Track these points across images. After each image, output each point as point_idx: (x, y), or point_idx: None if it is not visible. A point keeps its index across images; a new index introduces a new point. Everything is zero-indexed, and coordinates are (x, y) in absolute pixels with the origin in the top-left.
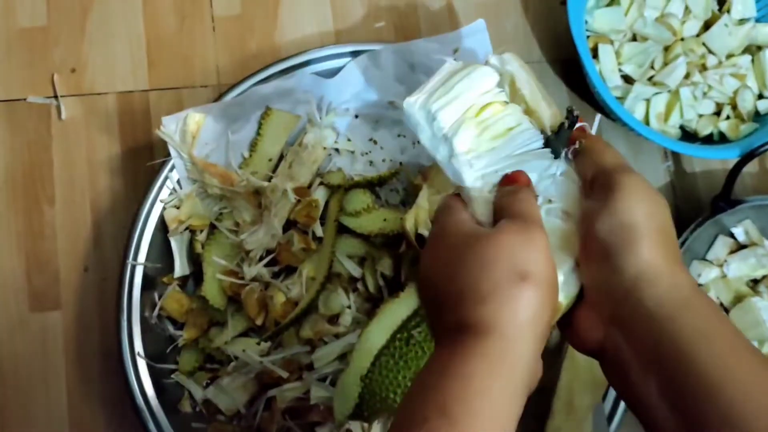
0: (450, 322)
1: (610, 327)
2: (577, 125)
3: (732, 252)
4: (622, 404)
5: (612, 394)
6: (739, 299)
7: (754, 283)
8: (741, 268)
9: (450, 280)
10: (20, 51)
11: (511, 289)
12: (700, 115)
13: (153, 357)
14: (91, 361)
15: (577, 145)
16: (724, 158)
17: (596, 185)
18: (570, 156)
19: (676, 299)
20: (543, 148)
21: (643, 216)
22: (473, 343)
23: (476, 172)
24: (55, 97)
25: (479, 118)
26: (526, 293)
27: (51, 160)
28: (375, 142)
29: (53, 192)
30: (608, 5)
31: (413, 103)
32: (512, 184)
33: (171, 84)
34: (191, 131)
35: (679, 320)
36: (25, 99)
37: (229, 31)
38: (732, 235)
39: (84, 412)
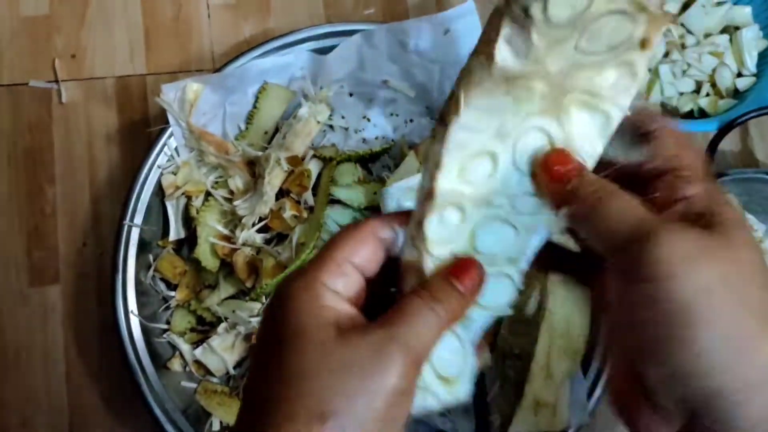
0: (249, 415)
1: None
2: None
3: None
4: (603, 379)
5: (594, 368)
6: None
7: None
8: None
9: (254, 378)
10: (23, 38)
11: (305, 428)
12: (681, 93)
13: (146, 318)
14: (89, 334)
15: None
16: (703, 130)
17: (620, 246)
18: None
19: None
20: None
21: (709, 288)
22: None
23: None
24: (56, 81)
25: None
26: None
27: (51, 142)
28: (368, 120)
29: (53, 171)
30: None
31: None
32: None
33: (167, 69)
34: (189, 100)
35: None
36: (27, 83)
37: (223, 19)
38: None
39: (82, 383)
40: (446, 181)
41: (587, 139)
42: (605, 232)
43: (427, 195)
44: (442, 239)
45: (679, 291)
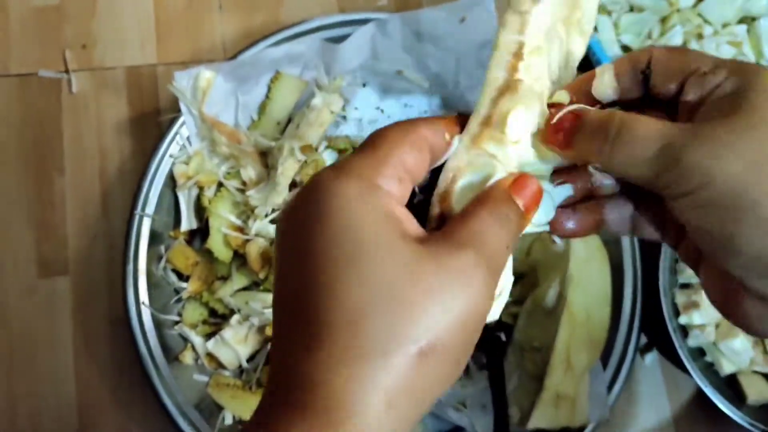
0: (288, 366)
1: None
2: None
3: None
4: (622, 374)
5: (613, 363)
6: None
7: None
8: None
9: (317, 290)
10: (33, 28)
11: (402, 360)
12: None
13: (157, 310)
14: (97, 326)
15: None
16: None
17: (700, 107)
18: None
19: None
20: None
21: None
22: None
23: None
24: (66, 71)
25: None
26: (422, 371)
27: (61, 132)
28: (382, 111)
29: (63, 162)
30: None
31: None
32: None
33: (178, 59)
34: (202, 88)
35: None
36: (36, 73)
37: (235, 9)
38: None
39: (91, 375)
40: (524, 69)
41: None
42: (632, 165)
43: (504, 88)
44: (516, 137)
45: (722, 191)
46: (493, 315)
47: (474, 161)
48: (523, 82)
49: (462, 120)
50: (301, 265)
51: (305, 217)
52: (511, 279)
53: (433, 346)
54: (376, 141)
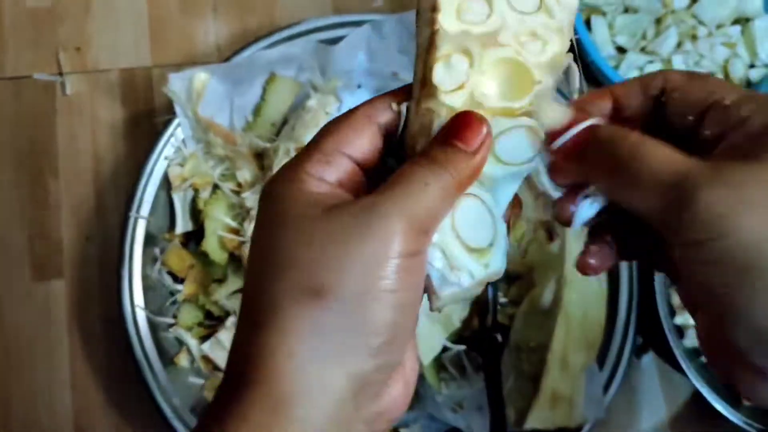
0: (236, 340)
1: None
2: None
3: None
4: (619, 374)
5: (609, 364)
6: None
7: None
8: None
9: (246, 279)
10: (27, 30)
11: (296, 310)
12: None
13: (152, 312)
14: (93, 328)
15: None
16: None
17: (719, 142)
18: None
19: None
20: None
21: None
22: (235, 400)
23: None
24: (60, 74)
25: None
26: (317, 318)
27: (55, 134)
28: None
29: (57, 164)
30: None
31: None
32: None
33: (173, 60)
34: (197, 90)
35: None
36: (31, 76)
37: (229, 11)
38: None
39: (86, 378)
40: (447, 23)
41: None
42: (639, 197)
43: (429, 43)
44: (453, 85)
45: (737, 248)
46: (494, 266)
47: (422, 123)
48: (443, 31)
49: (410, 88)
50: (251, 257)
51: (260, 206)
52: (503, 227)
53: (325, 286)
54: (316, 135)
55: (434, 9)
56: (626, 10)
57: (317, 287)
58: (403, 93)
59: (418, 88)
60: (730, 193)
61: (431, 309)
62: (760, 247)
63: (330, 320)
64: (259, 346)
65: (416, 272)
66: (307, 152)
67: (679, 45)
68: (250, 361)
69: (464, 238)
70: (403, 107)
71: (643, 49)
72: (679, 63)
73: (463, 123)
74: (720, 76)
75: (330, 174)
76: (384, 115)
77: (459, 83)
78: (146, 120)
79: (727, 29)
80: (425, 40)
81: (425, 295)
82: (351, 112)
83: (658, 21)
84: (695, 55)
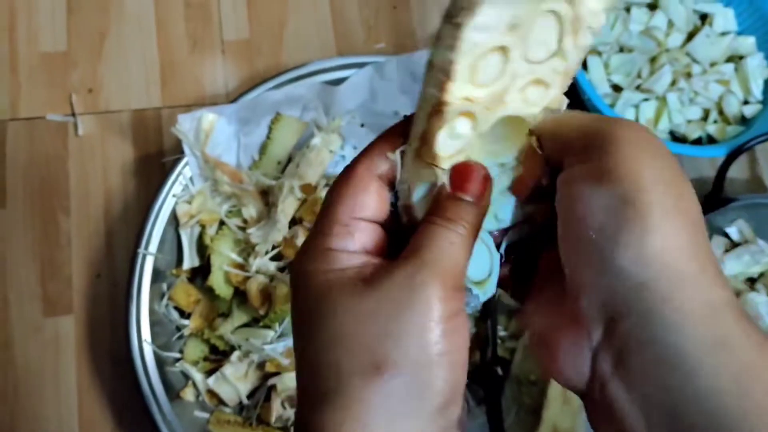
0: (303, 414)
1: (601, 361)
2: None
3: (727, 251)
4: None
5: None
6: (737, 295)
7: (752, 282)
8: (736, 266)
9: (301, 355)
10: (41, 73)
11: (361, 383)
12: (689, 121)
13: (159, 347)
14: (101, 365)
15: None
16: (712, 156)
17: (576, 149)
18: None
19: (707, 326)
20: None
21: (653, 182)
22: None
23: None
24: (73, 114)
25: None
26: (383, 390)
27: (67, 173)
28: None
29: (69, 203)
30: None
31: None
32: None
33: (183, 102)
34: (205, 130)
35: (711, 363)
36: (44, 117)
37: (237, 54)
38: (726, 235)
39: (94, 412)
40: (458, 89)
41: (594, 14)
42: (562, 136)
43: (435, 108)
44: (453, 151)
45: (642, 189)
46: (487, 294)
47: (421, 172)
48: (451, 103)
49: (408, 126)
50: (299, 333)
51: (293, 295)
52: (497, 256)
53: (384, 360)
54: (326, 204)
55: (447, 76)
56: (621, 50)
57: (380, 361)
58: (397, 135)
59: (416, 139)
60: (642, 146)
61: None
62: (654, 194)
63: (395, 390)
64: (333, 422)
65: (461, 331)
66: (327, 226)
67: (673, 83)
68: None
69: (470, 275)
70: (398, 156)
71: (638, 87)
72: (674, 100)
73: (465, 175)
74: (714, 112)
75: (354, 244)
76: (383, 166)
77: (459, 149)
78: (156, 159)
79: (721, 67)
80: (432, 98)
81: None
82: (352, 170)
83: (653, 60)
84: (690, 93)
